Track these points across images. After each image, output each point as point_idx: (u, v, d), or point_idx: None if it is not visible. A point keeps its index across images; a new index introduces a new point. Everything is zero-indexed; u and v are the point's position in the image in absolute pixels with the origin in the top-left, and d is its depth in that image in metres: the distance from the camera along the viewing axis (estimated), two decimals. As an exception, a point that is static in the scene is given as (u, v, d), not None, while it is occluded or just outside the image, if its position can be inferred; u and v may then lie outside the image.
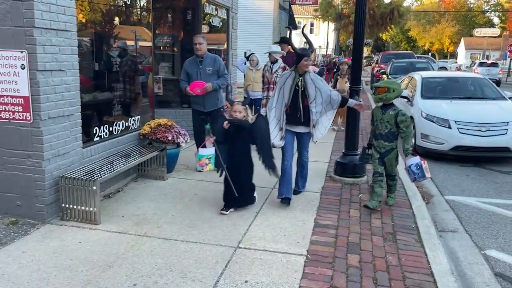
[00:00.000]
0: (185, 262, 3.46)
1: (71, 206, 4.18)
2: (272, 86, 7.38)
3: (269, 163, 4.49)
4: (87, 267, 3.35)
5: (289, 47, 9.06)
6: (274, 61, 7.58)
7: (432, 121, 7.46)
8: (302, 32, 4.99)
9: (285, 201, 4.77)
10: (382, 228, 4.28)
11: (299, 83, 4.66)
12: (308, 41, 4.99)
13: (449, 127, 7.25)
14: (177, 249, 3.69)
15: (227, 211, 4.51)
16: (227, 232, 4.07)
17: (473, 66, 32.90)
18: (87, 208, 4.14)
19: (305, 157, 5.05)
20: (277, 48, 7.89)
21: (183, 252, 3.65)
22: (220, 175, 4.59)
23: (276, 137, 4.79)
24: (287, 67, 7.27)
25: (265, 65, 7.80)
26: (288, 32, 7.76)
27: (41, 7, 3.85)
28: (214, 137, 4.51)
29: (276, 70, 7.47)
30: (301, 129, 4.83)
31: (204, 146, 5.86)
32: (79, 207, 4.16)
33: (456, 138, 7.17)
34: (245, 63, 9.59)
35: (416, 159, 4.58)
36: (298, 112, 4.70)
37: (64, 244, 3.72)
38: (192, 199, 4.95)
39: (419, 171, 4.50)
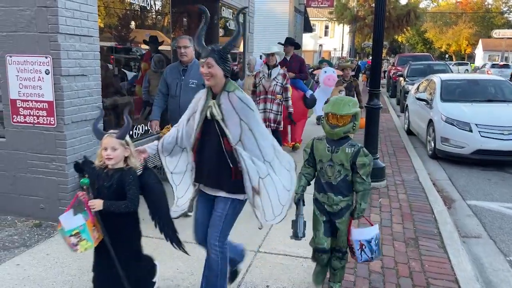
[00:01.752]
0: (206, 266, 3.46)
1: (93, 209, 4.23)
2: (270, 96, 6.13)
3: (170, 234, 2.82)
4: (110, 270, 3.38)
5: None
6: (273, 66, 6.20)
7: (453, 124, 7.35)
8: (236, 17, 2.74)
9: None
10: (404, 233, 4.23)
11: (213, 111, 2.55)
12: (237, 28, 2.63)
13: (470, 131, 7.13)
14: (198, 252, 3.69)
15: None
16: (247, 236, 4.06)
17: (485, 67, 32.72)
18: (108, 211, 4.18)
19: (216, 248, 2.73)
20: (279, 48, 6.66)
21: (204, 255, 3.63)
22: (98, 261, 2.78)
23: (180, 200, 2.91)
24: (288, 75, 6.43)
25: (259, 71, 6.39)
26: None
27: (65, 13, 3.92)
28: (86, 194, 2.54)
29: (276, 77, 6.15)
30: (221, 193, 2.71)
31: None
32: (101, 210, 4.21)
33: (477, 141, 7.05)
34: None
35: (375, 229, 3.03)
36: (211, 162, 2.63)
37: None
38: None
39: (377, 247, 3.00)
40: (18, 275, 3.30)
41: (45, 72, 3.97)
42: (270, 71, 6.18)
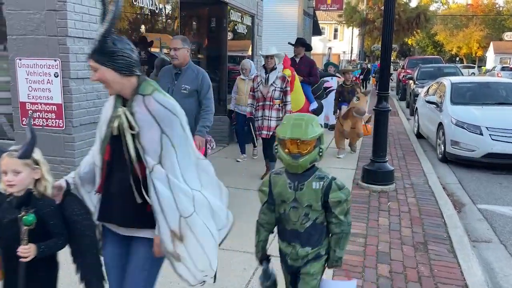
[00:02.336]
0: (213, 269, 3.45)
1: (100, 211, 4.24)
2: (269, 103, 5.57)
3: (94, 283, 2.16)
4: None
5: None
6: (271, 69, 5.59)
7: (463, 128, 7.27)
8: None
9: None
10: (413, 237, 4.18)
11: (122, 121, 1.92)
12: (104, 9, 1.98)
13: (481, 134, 7.04)
14: None
15: None
16: (254, 239, 4.04)
17: (495, 70, 32.76)
18: (116, 214, 4.19)
19: None
20: (276, 50, 5.76)
21: None
22: None
23: None
24: (287, 78, 5.73)
25: (257, 75, 5.80)
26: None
27: (74, 17, 3.96)
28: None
29: (274, 82, 5.52)
30: (136, 232, 2.04)
31: None
32: (108, 213, 4.22)
33: (488, 145, 6.95)
34: None
35: (353, 285, 2.46)
36: (121, 194, 1.98)
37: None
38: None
39: None
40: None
41: (54, 75, 4.00)
42: (267, 75, 5.57)
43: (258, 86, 5.63)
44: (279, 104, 5.61)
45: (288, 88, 5.68)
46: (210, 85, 4.13)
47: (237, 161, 6.86)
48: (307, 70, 7.36)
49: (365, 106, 7.19)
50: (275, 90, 5.54)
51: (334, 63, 12.19)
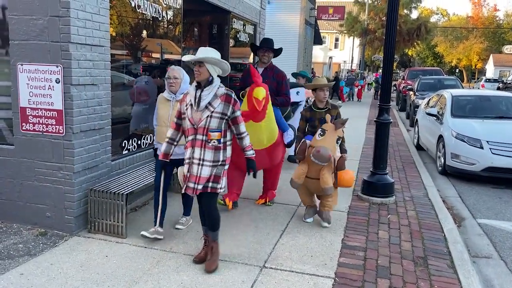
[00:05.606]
0: (210, 280, 3.42)
1: (98, 219, 4.21)
2: (201, 137, 3.47)
3: None
4: (113, 282, 3.34)
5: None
6: (206, 83, 3.45)
7: (463, 141, 7.26)
8: None
9: None
10: (413, 251, 4.14)
11: None
12: None
13: (481, 147, 7.03)
14: (203, 266, 3.65)
15: None
16: (252, 250, 4.01)
17: (480, 82, 37.14)
18: (114, 222, 4.16)
19: None
20: (211, 53, 3.47)
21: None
22: None
23: None
24: (233, 98, 3.49)
25: (185, 94, 3.60)
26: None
27: (77, 23, 3.95)
28: None
29: (210, 104, 3.43)
30: None
31: None
32: (106, 220, 4.18)
33: (488, 159, 6.94)
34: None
35: None
36: None
37: (91, 258, 3.73)
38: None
39: None
40: (21, 285, 3.27)
41: (56, 81, 3.98)
42: (199, 93, 3.43)
43: (186, 110, 3.51)
44: (218, 140, 3.46)
45: (238, 114, 3.53)
46: None
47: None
48: (274, 87, 5.06)
49: (332, 145, 4.39)
50: (211, 116, 3.40)
51: (306, 72, 8.47)
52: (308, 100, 7.43)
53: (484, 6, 62.12)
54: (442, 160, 7.66)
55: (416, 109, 12.38)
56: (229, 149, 3.59)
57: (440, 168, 7.79)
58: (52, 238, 4.10)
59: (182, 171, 3.60)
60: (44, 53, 3.97)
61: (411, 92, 16.26)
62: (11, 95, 4.19)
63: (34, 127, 4.14)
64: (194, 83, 3.51)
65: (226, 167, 3.58)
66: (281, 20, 18.43)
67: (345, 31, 33.53)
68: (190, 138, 3.51)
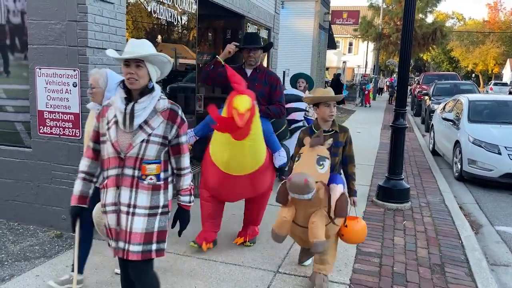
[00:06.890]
0: (224, 285, 3.40)
1: (113, 221, 4.22)
2: (131, 171, 2.29)
3: None
4: (128, 285, 3.34)
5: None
6: (140, 93, 2.34)
7: (480, 146, 7.14)
8: None
9: None
10: (429, 258, 4.07)
11: None
12: None
13: (499, 153, 6.91)
14: (217, 270, 3.65)
15: None
16: (266, 255, 3.99)
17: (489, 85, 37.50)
18: (128, 225, 4.17)
19: None
20: (149, 49, 2.34)
21: (222, 274, 3.60)
22: None
23: None
24: (180, 115, 2.40)
25: (107, 106, 2.43)
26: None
27: (95, 28, 3.99)
28: None
29: (147, 122, 2.29)
30: None
31: None
32: (121, 223, 4.20)
33: (506, 165, 6.81)
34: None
35: None
36: None
37: (106, 260, 3.75)
38: (230, 218, 4.89)
39: None
40: (37, 286, 3.30)
41: (73, 84, 4.03)
42: (131, 105, 2.28)
43: (108, 130, 2.34)
44: (157, 176, 2.35)
45: (183, 140, 2.42)
46: None
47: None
48: (266, 92, 4.04)
49: (310, 168, 3.07)
50: (147, 141, 2.28)
51: (307, 75, 6.56)
52: (309, 110, 5.64)
53: (500, 11, 61.17)
54: (459, 166, 7.54)
55: (431, 114, 12.22)
56: (171, 188, 2.43)
57: (456, 174, 7.67)
58: (68, 241, 4.14)
59: (98, 215, 2.56)
60: (62, 57, 4.02)
61: (426, 97, 16.08)
62: (29, 99, 4.26)
63: (51, 130, 4.19)
64: (121, 93, 2.31)
65: (169, 214, 2.42)
66: (295, 25, 18.42)
67: (359, 36, 33.29)
68: (112, 172, 2.31)
